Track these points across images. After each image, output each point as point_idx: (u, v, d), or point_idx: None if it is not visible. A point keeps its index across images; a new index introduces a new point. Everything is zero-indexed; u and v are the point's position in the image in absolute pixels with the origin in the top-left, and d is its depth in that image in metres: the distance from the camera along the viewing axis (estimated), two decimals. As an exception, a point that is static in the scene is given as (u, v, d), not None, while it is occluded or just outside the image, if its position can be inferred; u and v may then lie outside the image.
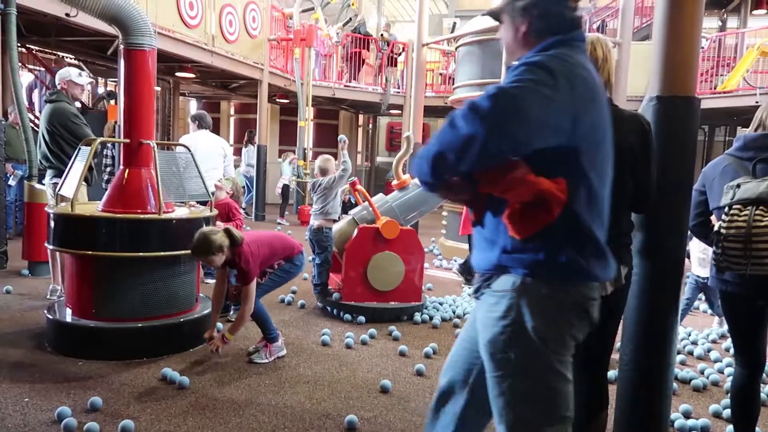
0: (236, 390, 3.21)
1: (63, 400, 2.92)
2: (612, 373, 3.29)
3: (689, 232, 2.55)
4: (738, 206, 2.28)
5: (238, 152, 12.75)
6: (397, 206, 5.06)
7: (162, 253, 3.67)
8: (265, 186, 11.49)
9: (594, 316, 1.57)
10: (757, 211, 2.22)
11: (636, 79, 9.11)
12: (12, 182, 7.04)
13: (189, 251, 3.40)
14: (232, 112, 15.99)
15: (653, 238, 2.37)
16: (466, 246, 7.98)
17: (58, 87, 4.91)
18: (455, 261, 7.67)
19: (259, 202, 11.31)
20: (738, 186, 2.32)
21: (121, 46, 3.85)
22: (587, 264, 1.50)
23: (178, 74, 11.13)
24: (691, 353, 4.28)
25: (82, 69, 7.80)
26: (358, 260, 4.71)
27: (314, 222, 4.83)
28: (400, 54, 13.88)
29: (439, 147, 1.41)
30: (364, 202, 5.10)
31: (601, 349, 2.22)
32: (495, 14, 1.68)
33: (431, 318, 4.81)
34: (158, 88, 12.46)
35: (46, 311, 3.83)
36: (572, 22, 1.57)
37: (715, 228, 2.36)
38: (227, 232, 3.37)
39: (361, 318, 4.62)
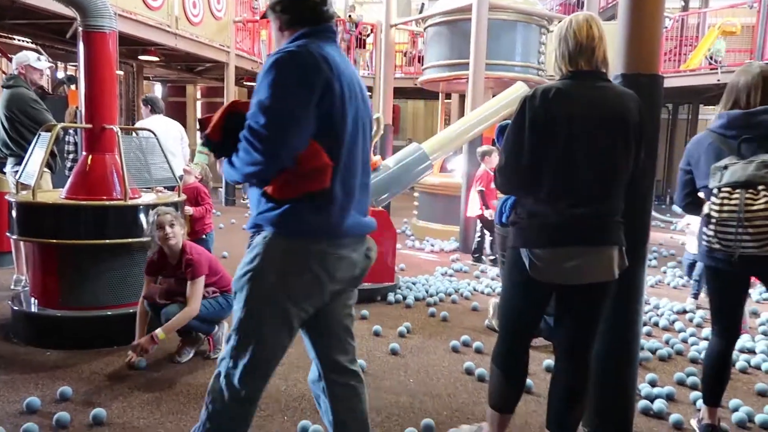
0: (208, 374, 3.18)
1: (31, 391, 2.87)
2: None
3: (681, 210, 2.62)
4: (727, 189, 2.29)
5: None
6: (368, 188, 5.05)
7: (128, 240, 3.61)
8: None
9: (335, 271, 1.80)
10: (747, 194, 2.24)
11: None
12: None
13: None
14: (198, 95, 15.69)
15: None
16: (437, 226, 8.04)
17: (16, 72, 4.75)
18: (427, 241, 7.72)
19: (228, 187, 11.19)
20: (725, 167, 2.32)
21: (80, 29, 3.73)
22: (323, 224, 1.76)
23: (141, 57, 10.85)
24: (656, 324, 4.41)
25: (40, 53, 7.53)
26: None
27: None
28: (368, 35, 13.77)
29: (243, 173, 1.74)
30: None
31: (589, 336, 2.19)
32: (264, 14, 1.96)
33: (404, 298, 4.85)
34: (121, 72, 12.13)
35: (10, 302, 3.74)
36: (320, 15, 1.85)
37: (705, 210, 2.39)
38: None
39: (335, 300, 4.63)
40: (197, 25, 9.79)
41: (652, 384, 3.22)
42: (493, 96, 7.37)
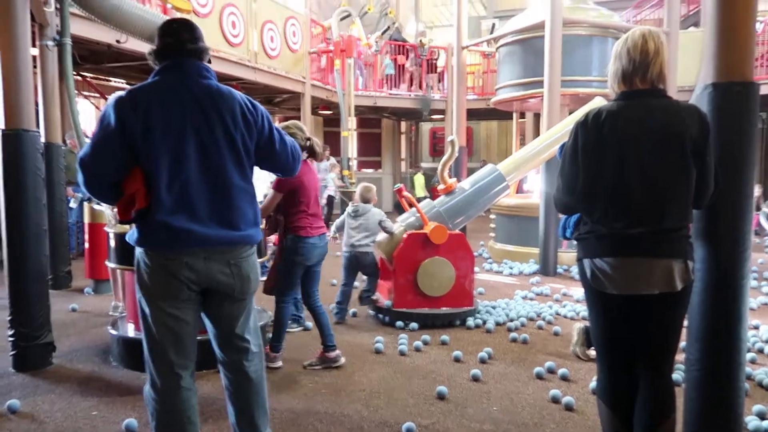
0: (293, 398, 3.25)
1: (129, 413, 3.01)
2: (678, 376, 3.17)
3: None
4: None
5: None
6: (445, 211, 5.03)
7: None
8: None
9: (181, 274, 2.07)
10: None
11: (686, 69, 8.80)
12: (73, 204, 7.36)
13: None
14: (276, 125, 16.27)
15: (715, 233, 2.27)
16: (516, 248, 7.87)
17: None
18: (505, 264, 7.56)
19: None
20: None
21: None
22: (155, 239, 2.08)
23: (223, 92, 11.40)
24: (761, 351, 4.08)
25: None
26: (407, 267, 4.70)
27: (360, 250, 4.82)
28: (437, 58, 13.88)
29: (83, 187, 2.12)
30: (411, 208, 5.09)
31: (659, 352, 2.14)
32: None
33: (484, 322, 4.75)
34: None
35: (110, 327, 3.97)
36: (168, 49, 2.16)
37: None
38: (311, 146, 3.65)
39: (414, 324, 4.61)
40: (275, 59, 10.21)
41: (761, 416, 2.96)
42: (570, 113, 7.19)
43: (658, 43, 2.07)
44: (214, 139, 2.11)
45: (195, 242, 2.08)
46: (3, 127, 3.66)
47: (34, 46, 4.11)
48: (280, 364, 3.75)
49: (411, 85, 13.69)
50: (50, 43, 5.70)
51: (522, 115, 12.07)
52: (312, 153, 3.70)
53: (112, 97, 2.10)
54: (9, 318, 3.66)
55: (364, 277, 5.09)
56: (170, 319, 2.11)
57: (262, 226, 3.69)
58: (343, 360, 3.78)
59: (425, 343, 4.22)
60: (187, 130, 2.08)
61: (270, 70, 10.07)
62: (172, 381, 2.14)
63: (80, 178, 2.09)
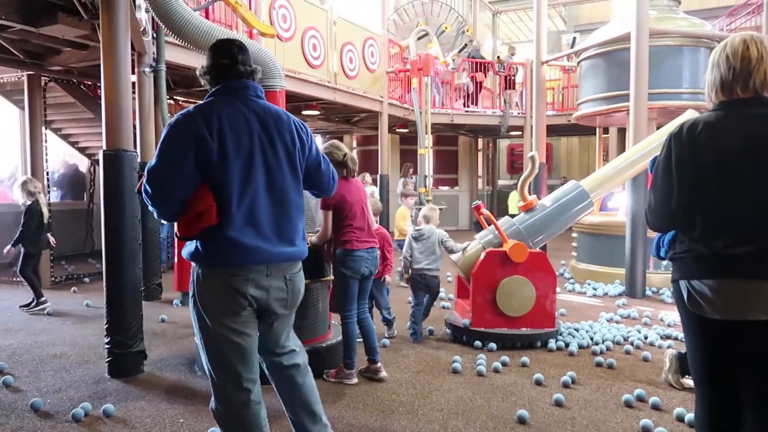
0: (370, 416, 3.24)
1: (213, 422, 3.09)
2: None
3: None
4: None
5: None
6: (525, 228, 4.90)
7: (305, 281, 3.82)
8: (388, 215, 11.70)
9: (247, 292, 2.14)
10: None
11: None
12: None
13: (321, 279, 3.53)
14: (354, 144, 16.59)
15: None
16: (600, 268, 7.55)
17: None
18: (588, 284, 7.27)
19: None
20: None
21: (255, 90, 4.13)
22: (222, 255, 2.13)
23: (304, 112, 11.79)
24: None
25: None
26: (486, 285, 4.61)
27: (428, 273, 4.79)
28: (515, 74, 13.71)
29: (149, 204, 2.18)
30: (489, 225, 5.01)
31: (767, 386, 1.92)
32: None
33: (567, 345, 4.56)
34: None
35: (195, 338, 4.13)
36: (226, 75, 2.26)
37: None
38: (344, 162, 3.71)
39: (492, 345, 4.49)
40: (353, 79, 10.43)
41: None
42: (658, 127, 6.86)
43: (762, 48, 1.92)
44: (277, 158, 2.23)
45: (262, 259, 2.16)
46: (105, 147, 3.93)
47: (133, 73, 4.41)
48: (355, 380, 3.76)
49: (494, 101, 13.58)
50: (147, 69, 6.10)
51: (605, 131, 11.65)
52: (345, 168, 3.74)
53: (180, 114, 2.16)
54: (106, 326, 3.89)
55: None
56: (235, 335, 2.17)
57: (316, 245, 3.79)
58: (384, 374, 3.84)
59: (504, 364, 4.11)
60: (255, 149, 2.18)
61: (349, 90, 10.30)
62: (242, 396, 2.21)
63: (146, 190, 2.13)
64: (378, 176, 11.77)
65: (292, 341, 2.44)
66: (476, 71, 13.52)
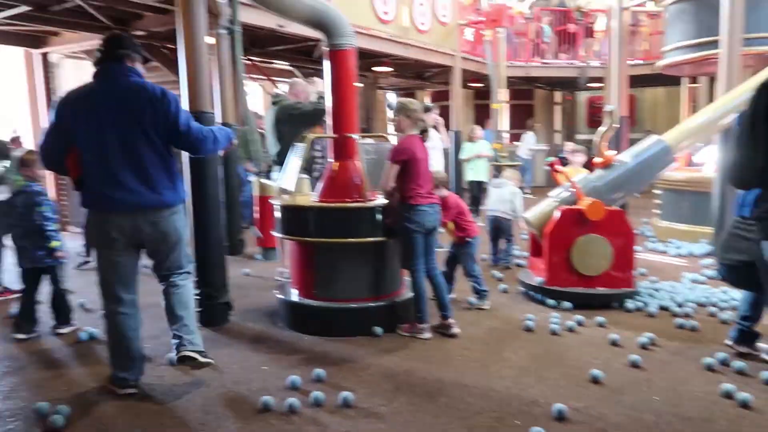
0: (443, 370, 3.32)
1: (293, 370, 3.28)
2: None
3: None
4: None
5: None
6: (602, 185, 4.74)
7: (370, 239, 3.92)
8: (459, 173, 11.55)
9: (111, 234, 2.87)
10: None
11: None
12: (252, 178, 8.04)
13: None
14: (427, 100, 16.38)
15: None
16: (684, 227, 7.21)
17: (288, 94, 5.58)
18: (671, 243, 6.97)
19: (458, 187, 11.35)
20: None
21: (325, 48, 4.16)
22: (89, 201, 2.94)
23: (375, 69, 11.72)
24: None
25: (297, 75, 8.62)
26: (560, 244, 4.52)
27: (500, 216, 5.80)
28: (594, 23, 13.00)
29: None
30: (565, 182, 4.87)
31: None
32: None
33: (646, 305, 4.44)
34: (361, 84, 13.25)
35: (276, 291, 4.34)
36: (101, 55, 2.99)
37: None
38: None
39: (567, 303, 4.44)
40: (425, 33, 10.22)
41: None
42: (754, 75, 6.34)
43: None
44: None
45: None
46: (186, 109, 4.10)
47: (209, 35, 4.52)
48: (428, 335, 3.84)
49: (567, 52, 13.00)
50: (223, 31, 6.23)
51: (693, 80, 10.89)
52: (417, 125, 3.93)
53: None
54: (196, 279, 4.15)
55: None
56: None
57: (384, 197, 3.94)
58: (456, 330, 3.88)
59: (579, 323, 4.06)
60: None
61: (420, 45, 10.11)
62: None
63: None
64: (452, 132, 11.60)
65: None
66: (566, 22, 12.93)
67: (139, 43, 3.10)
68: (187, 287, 3.14)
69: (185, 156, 4.05)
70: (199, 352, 2.97)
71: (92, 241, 3.03)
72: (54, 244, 3.95)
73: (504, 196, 5.79)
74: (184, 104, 4.11)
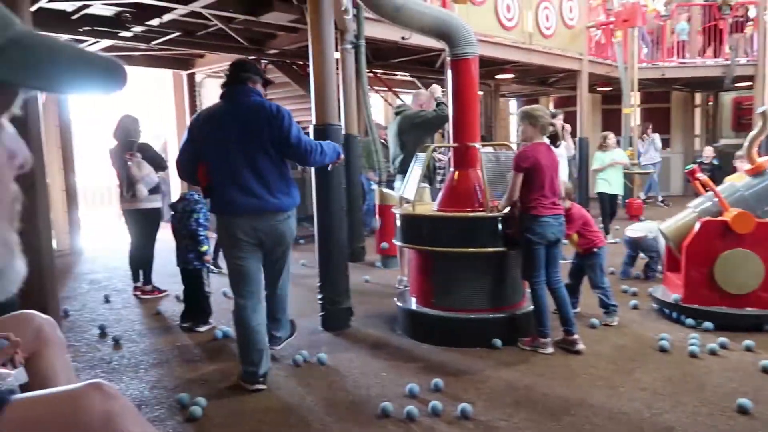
0: (567, 388, 3.17)
1: (412, 378, 3.30)
2: None
3: None
4: None
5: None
6: (751, 195, 4.28)
7: (489, 249, 3.85)
8: (587, 181, 11.03)
9: (237, 235, 3.19)
10: None
11: None
12: (374, 187, 8.28)
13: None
14: (551, 107, 15.84)
15: None
16: None
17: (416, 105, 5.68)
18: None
19: (583, 198, 10.84)
20: None
21: (448, 58, 4.17)
22: (217, 206, 3.27)
23: (497, 76, 11.54)
24: None
25: (418, 86, 8.71)
26: (701, 258, 4.15)
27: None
28: (743, 17, 11.81)
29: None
30: (707, 192, 4.47)
31: None
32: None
33: (805, 330, 3.94)
34: (481, 93, 13.13)
35: (396, 299, 4.40)
36: (227, 79, 3.39)
37: None
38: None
39: (708, 324, 4.05)
40: (549, 38, 9.89)
41: None
42: None
43: None
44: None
45: None
46: (314, 122, 4.30)
47: (336, 50, 4.72)
48: (551, 350, 3.69)
49: (705, 51, 11.97)
50: (348, 46, 6.48)
51: None
52: (554, 137, 3.93)
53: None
54: (319, 284, 4.33)
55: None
56: None
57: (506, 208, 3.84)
58: (581, 346, 3.68)
59: (723, 346, 3.69)
60: None
61: (545, 49, 9.81)
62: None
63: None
64: (577, 140, 11.11)
65: None
66: (714, 18, 11.97)
67: (261, 68, 3.49)
68: (286, 288, 3.61)
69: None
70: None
71: (222, 242, 3.42)
72: (203, 248, 4.34)
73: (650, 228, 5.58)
74: (312, 118, 4.33)
